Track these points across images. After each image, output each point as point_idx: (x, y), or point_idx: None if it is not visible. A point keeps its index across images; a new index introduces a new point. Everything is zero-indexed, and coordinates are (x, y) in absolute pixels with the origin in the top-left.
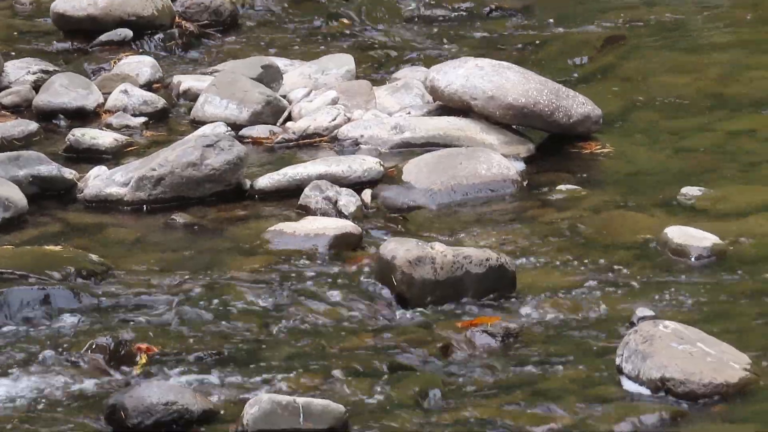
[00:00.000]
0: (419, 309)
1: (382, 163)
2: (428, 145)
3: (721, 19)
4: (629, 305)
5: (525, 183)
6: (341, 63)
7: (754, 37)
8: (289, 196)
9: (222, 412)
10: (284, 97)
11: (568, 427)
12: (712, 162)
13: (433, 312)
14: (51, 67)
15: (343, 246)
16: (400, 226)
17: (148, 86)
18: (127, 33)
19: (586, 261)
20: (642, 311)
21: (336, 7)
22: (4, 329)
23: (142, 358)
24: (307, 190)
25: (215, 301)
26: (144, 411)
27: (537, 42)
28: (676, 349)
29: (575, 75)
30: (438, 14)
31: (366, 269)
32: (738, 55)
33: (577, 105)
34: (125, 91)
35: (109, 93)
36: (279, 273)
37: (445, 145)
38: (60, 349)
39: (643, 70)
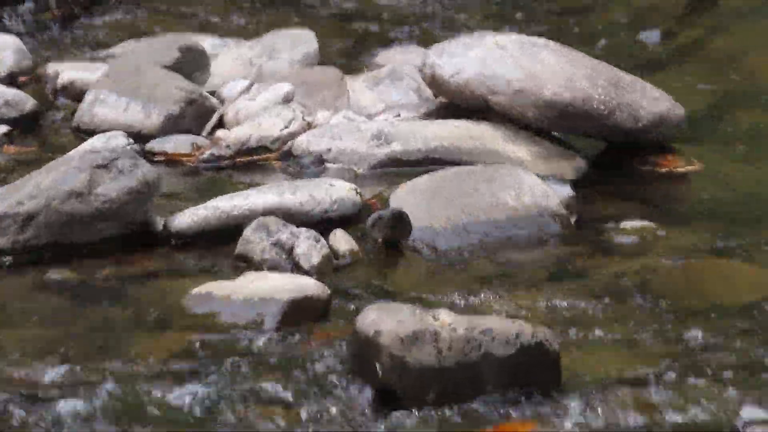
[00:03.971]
0: (415, 410)
1: (359, 190)
2: (427, 163)
3: None
4: (730, 402)
5: (572, 218)
6: (297, 41)
7: None
8: (221, 241)
9: None
10: (213, 93)
11: None
12: None
13: (437, 415)
14: None
15: (303, 315)
16: (386, 285)
17: (10, 80)
18: None
19: (664, 334)
20: (750, 412)
21: None
22: None
23: None
24: (248, 233)
25: (112, 401)
26: None
27: (586, 6)
28: None
29: (645, 56)
30: None
31: (336, 350)
32: None
33: (649, 101)
34: None
35: None
36: (207, 358)
37: (453, 163)
38: None
39: (747, 47)
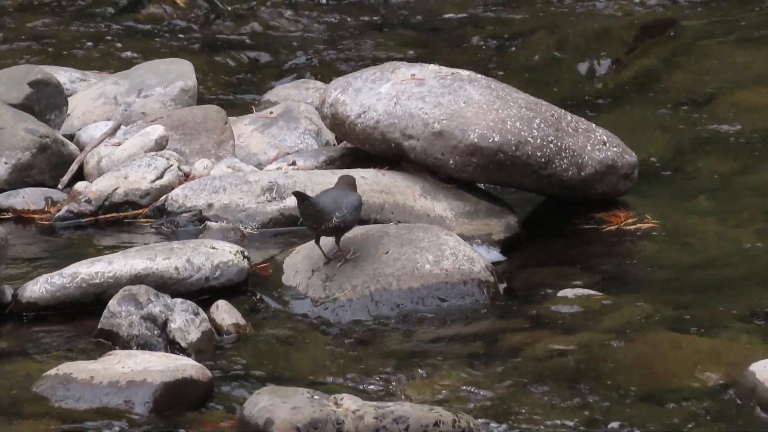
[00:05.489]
0: None
1: (246, 253)
2: None
3: None
4: None
5: (502, 285)
6: (172, 75)
7: None
8: (81, 315)
9: None
10: (71, 138)
11: None
12: None
13: None
14: None
15: (179, 401)
16: (279, 366)
17: None
18: None
19: (610, 424)
20: None
21: None
22: None
23: None
24: (113, 305)
25: None
26: None
27: (521, 32)
28: None
29: (591, 91)
30: None
31: None
32: None
33: (594, 146)
34: None
35: None
36: None
37: (360, 221)
38: None
39: (708, 80)
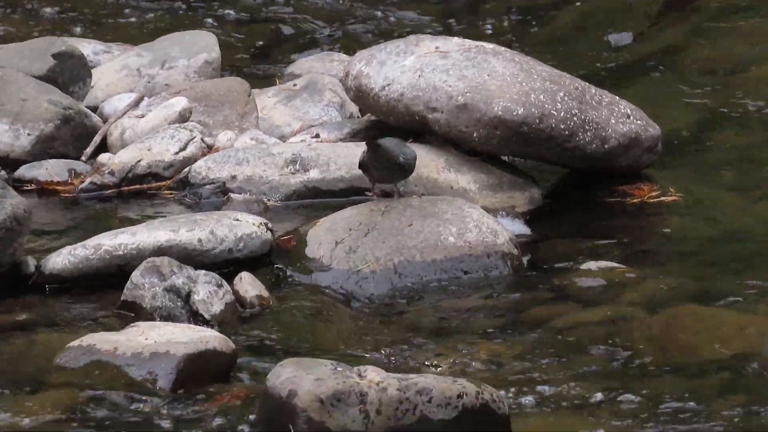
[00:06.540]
0: None
1: (270, 225)
2: (353, 193)
3: None
4: None
5: (525, 258)
6: (195, 47)
7: None
8: (104, 286)
9: None
10: (95, 110)
11: None
12: None
13: None
14: None
15: (203, 373)
16: (302, 338)
17: None
18: None
19: (634, 396)
20: None
21: None
22: None
23: None
24: (137, 276)
25: None
26: None
27: (545, 5)
28: None
29: (614, 65)
30: None
31: (243, 415)
32: None
33: (618, 119)
34: None
35: None
36: (86, 424)
37: (383, 193)
38: None
39: (731, 55)
